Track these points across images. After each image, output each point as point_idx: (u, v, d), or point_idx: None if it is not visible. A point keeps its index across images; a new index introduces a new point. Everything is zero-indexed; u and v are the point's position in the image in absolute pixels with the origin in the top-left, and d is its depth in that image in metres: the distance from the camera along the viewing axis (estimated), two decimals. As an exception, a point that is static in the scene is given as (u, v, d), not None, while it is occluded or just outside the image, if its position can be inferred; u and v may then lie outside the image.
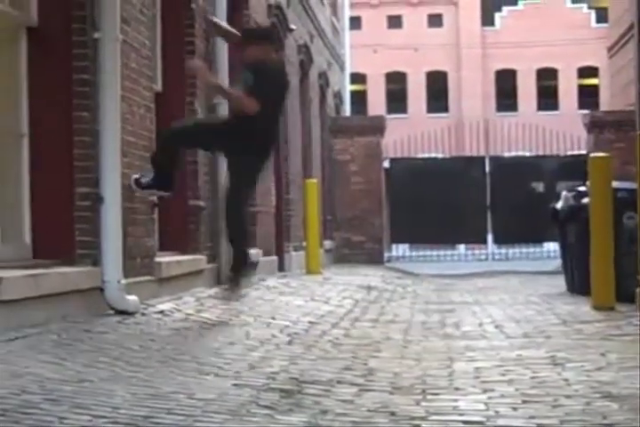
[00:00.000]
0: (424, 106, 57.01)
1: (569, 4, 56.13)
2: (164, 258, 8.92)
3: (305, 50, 18.69)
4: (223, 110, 10.10)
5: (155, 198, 8.54)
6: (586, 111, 24.70)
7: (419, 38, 55.49)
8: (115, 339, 6.10)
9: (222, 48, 11.19)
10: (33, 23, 7.20)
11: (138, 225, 8.14)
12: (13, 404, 3.99)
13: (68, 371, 4.85)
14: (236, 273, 8.36)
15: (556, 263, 16.29)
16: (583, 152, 20.91)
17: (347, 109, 26.70)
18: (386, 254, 22.79)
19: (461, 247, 27.76)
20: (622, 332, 7.48)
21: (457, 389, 5.07)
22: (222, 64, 11.16)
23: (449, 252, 27.04)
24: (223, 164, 11.10)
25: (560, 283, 12.82)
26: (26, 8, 7.17)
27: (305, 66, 19.06)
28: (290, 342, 6.80)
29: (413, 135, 26.28)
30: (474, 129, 28.19)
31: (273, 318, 8.10)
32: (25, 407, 3.95)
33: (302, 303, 9.77)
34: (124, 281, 7.35)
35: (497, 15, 57.08)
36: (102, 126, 7.30)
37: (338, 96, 25.17)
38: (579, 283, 11.46)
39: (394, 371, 5.66)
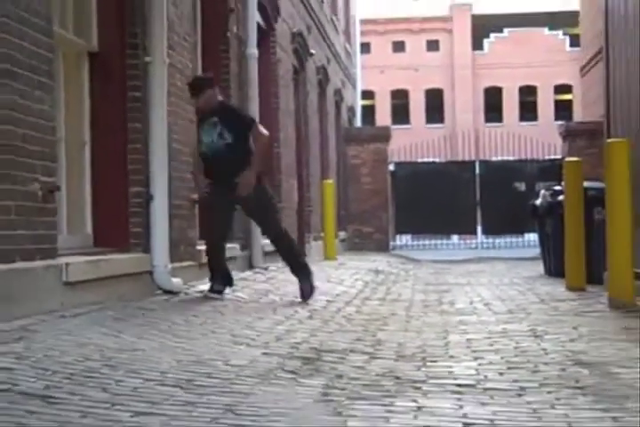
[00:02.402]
0: (423, 118, 56.78)
1: (547, 32, 55.82)
2: (203, 246, 8.93)
3: (323, 71, 18.67)
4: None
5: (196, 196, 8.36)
6: (561, 122, 24.57)
7: (419, 61, 55.32)
8: (163, 315, 6.11)
9: (253, 70, 11.19)
10: (94, 49, 7.22)
11: (182, 219, 8.16)
12: (78, 369, 4.01)
13: (124, 342, 4.86)
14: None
15: (536, 251, 16.25)
16: (559, 157, 20.82)
17: (358, 121, 26.64)
18: (391, 243, 22.75)
19: (455, 237, 27.68)
20: (592, 309, 7.46)
21: (452, 357, 5.06)
22: (253, 83, 11.16)
23: (445, 241, 26.96)
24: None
25: (539, 268, 12.79)
26: (88, 36, 7.19)
27: (323, 84, 19.05)
28: (310, 318, 6.80)
29: (414, 143, 26.21)
30: (466, 138, 28.10)
31: (296, 297, 8.09)
32: (88, 372, 3.96)
33: (320, 284, 9.76)
34: (170, 266, 7.37)
35: (485, 41, 56.83)
36: (152, 135, 7.32)
37: (351, 110, 25.13)
38: (555, 267, 11.44)
39: (398, 342, 5.65)
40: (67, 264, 5.78)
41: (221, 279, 7.70)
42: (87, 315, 5.60)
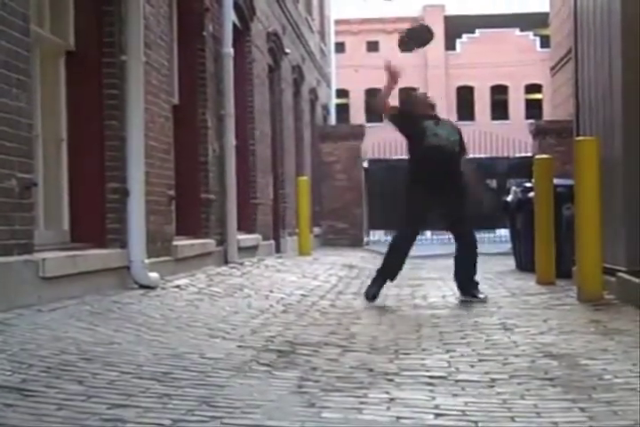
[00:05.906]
0: (397, 116, 56.85)
1: (517, 33, 56.01)
2: (180, 242, 8.91)
3: (298, 70, 18.65)
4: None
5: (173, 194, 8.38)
6: (531, 121, 24.65)
7: (393, 60, 55.38)
8: (139, 309, 6.09)
9: (229, 68, 11.15)
10: (71, 47, 7.18)
11: (158, 214, 8.13)
12: (55, 362, 3.98)
13: (101, 335, 4.84)
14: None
15: (507, 246, 16.28)
16: (529, 155, 20.87)
17: (332, 119, 26.64)
18: (365, 239, 22.75)
19: (428, 233, 27.70)
20: (561, 302, 7.49)
21: (424, 349, 5.07)
22: (228, 82, 11.13)
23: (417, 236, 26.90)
24: (231, 163, 11.08)
25: (510, 262, 12.82)
26: (65, 35, 7.15)
27: (298, 83, 19.02)
28: (285, 311, 6.79)
29: (388, 140, 26.18)
30: (438, 135, 28.03)
31: (271, 292, 8.09)
32: (64, 365, 3.94)
33: (295, 279, 9.76)
34: (147, 261, 7.34)
35: (458, 41, 56.99)
36: (129, 133, 7.29)
37: (325, 108, 25.13)
38: (525, 262, 11.47)
39: (372, 335, 5.66)
40: (44, 259, 5.74)
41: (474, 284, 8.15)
42: (64, 309, 5.57)
